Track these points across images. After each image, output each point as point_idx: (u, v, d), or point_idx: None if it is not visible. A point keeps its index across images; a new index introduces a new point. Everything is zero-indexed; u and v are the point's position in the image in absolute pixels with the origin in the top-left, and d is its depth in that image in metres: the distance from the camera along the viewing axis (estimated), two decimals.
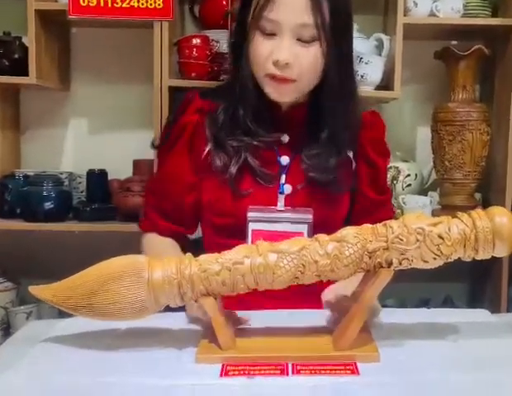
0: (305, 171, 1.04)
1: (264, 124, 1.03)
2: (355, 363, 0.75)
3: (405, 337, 0.84)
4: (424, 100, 1.91)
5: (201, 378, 0.72)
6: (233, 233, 1.01)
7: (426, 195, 1.81)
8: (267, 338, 0.83)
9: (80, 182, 1.86)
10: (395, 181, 1.69)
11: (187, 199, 1.08)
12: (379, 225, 0.79)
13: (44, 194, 1.67)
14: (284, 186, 1.05)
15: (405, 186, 1.77)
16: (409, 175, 1.78)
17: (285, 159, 1.05)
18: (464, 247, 0.77)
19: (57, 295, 0.80)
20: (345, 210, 1.11)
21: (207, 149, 1.05)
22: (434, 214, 1.71)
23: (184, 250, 0.99)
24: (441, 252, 0.77)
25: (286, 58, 0.96)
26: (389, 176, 1.67)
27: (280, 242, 0.79)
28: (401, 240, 0.76)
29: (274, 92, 1.00)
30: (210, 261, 0.78)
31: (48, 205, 1.67)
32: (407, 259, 0.77)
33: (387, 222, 0.79)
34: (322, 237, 0.79)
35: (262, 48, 0.98)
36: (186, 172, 1.07)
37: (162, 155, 1.11)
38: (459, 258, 0.79)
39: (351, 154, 1.08)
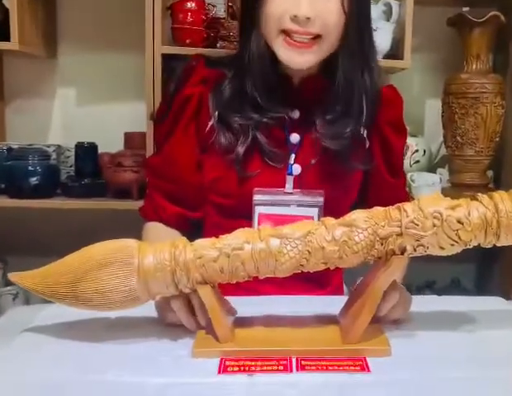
0: (318, 140, 0.98)
1: (274, 99, 0.97)
2: (365, 358, 0.71)
3: (417, 328, 0.80)
4: (434, 70, 1.84)
5: (198, 375, 0.67)
6: (237, 215, 0.96)
7: (435, 172, 1.76)
8: (268, 328, 0.79)
9: (69, 156, 1.80)
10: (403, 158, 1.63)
11: (194, 179, 1.02)
12: (392, 208, 0.74)
13: (29, 168, 1.62)
14: (293, 166, 0.99)
15: (412, 162, 1.71)
16: (417, 150, 1.73)
17: (295, 137, 1.00)
18: (485, 232, 0.72)
19: (38, 283, 0.75)
20: (355, 193, 1.06)
21: (211, 124, 0.98)
22: (444, 192, 1.65)
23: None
24: (459, 238, 0.72)
25: (307, 12, 0.88)
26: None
27: (283, 227, 0.75)
28: (416, 225, 0.72)
29: (290, 57, 0.92)
30: (207, 247, 0.74)
31: (34, 180, 1.62)
32: (422, 246, 0.73)
33: (401, 205, 0.74)
34: (329, 221, 0.74)
35: (278, 2, 0.90)
36: (193, 151, 1.01)
37: (163, 131, 1.04)
38: (478, 244, 0.75)
39: (365, 133, 1.02)
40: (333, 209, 0.96)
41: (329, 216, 0.90)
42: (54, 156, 1.77)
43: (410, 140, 1.74)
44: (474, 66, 1.58)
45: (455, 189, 1.64)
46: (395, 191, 1.07)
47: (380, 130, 1.03)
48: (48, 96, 1.89)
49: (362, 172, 1.05)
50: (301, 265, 0.73)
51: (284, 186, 0.98)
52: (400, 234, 0.72)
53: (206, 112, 0.99)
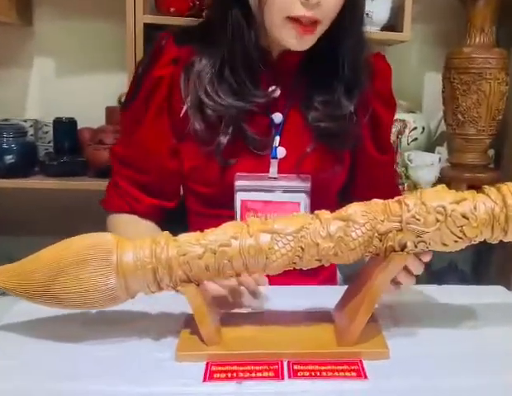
0: (313, 122, 0.93)
1: (253, 76, 0.91)
2: (361, 361, 0.68)
3: (415, 325, 0.77)
4: (435, 43, 1.79)
5: (181, 383, 0.64)
6: (220, 203, 0.92)
7: (433, 151, 1.72)
8: (258, 328, 0.76)
9: (47, 132, 1.73)
10: (400, 136, 1.59)
11: (169, 167, 0.97)
12: (392, 202, 0.70)
13: (4, 146, 1.56)
14: (277, 149, 0.94)
15: (410, 140, 1.67)
16: (415, 128, 1.68)
17: (277, 117, 0.94)
18: (492, 228, 0.69)
19: (8, 281, 0.71)
20: (345, 174, 1.01)
21: (185, 109, 0.92)
22: (443, 173, 1.62)
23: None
24: (464, 234, 0.68)
25: None
26: (394, 130, 1.57)
27: (274, 220, 0.71)
28: (418, 220, 0.68)
29: (295, 40, 0.86)
30: (191, 243, 0.70)
31: (9, 158, 1.56)
32: (424, 242, 0.69)
33: (401, 198, 0.70)
34: (324, 214, 0.70)
35: None
36: (166, 138, 0.95)
37: (131, 117, 0.97)
38: (484, 240, 0.71)
39: (352, 107, 0.97)
40: (321, 193, 0.92)
41: (317, 201, 0.87)
42: (31, 132, 1.72)
43: (407, 117, 1.70)
44: (477, 39, 1.52)
45: (454, 169, 1.60)
46: (383, 169, 1.04)
47: (367, 103, 0.98)
48: (24, 67, 1.82)
49: (350, 150, 1.00)
50: (294, 262, 0.70)
51: (268, 171, 0.93)
52: (400, 230, 0.69)
53: (179, 96, 0.93)
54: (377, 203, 0.71)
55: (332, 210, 0.71)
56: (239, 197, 0.90)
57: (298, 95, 0.94)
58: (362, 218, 0.69)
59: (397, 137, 1.56)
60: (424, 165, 1.56)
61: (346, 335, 0.71)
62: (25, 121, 1.72)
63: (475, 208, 0.68)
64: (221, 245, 0.69)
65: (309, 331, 0.75)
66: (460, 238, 0.69)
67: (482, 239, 0.71)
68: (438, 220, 0.68)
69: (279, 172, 0.93)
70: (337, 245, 0.69)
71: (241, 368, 0.67)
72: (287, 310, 0.82)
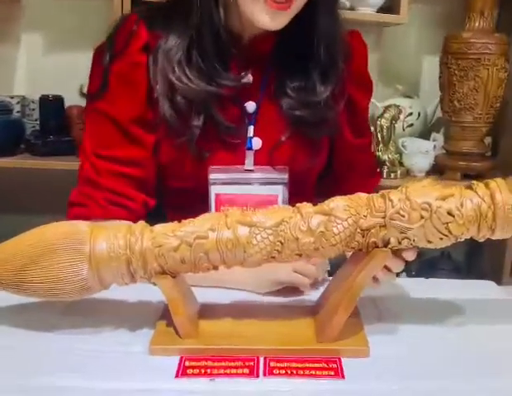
0: (288, 110, 0.90)
1: (223, 60, 0.87)
2: (339, 359, 0.67)
3: (400, 321, 0.76)
4: (433, 25, 1.75)
5: (153, 378, 0.63)
6: (197, 198, 0.89)
7: (429, 136, 1.69)
8: (236, 321, 0.74)
9: (34, 109, 1.69)
10: (394, 122, 1.55)
11: (153, 158, 0.90)
12: (376, 196, 0.68)
13: None
14: (252, 140, 0.91)
15: (406, 125, 1.64)
16: (411, 113, 1.65)
17: (251, 106, 0.91)
18: (478, 226, 0.67)
19: None
20: (323, 162, 0.98)
21: (157, 99, 0.86)
22: (437, 160, 1.59)
23: None
24: (450, 231, 0.67)
25: None
26: (388, 116, 1.54)
27: (253, 213, 0.68)
28: (402, 216, 0.66)
29: (268, 17, 0.82)
30: (167, 235, 0.68)
31: None
32: (408, 238, 0.67)
33: (386, 192, 0.68)
34: (305, 208, 0.68)
35: None
36: (148, 128, 0.88)
37: (99, 110, 0.88)
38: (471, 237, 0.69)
39: (337, 92, 0.92)
40: (300, 184, 0.89)
41: (295, 192, 0.85)
42: (18, 108, 1.68)
43: (403, 102, 1.67)
44: (477, 23, 1.48)
45: (450, 157, 1.57)
46: (360, 153, 1.01)
47: (344, 88, 0.94)
48: (12, 43, 1.78)
49: (328, 137, 0.97)
50: (273, 257, 0.68)
51: (244, 163, 0.90)
52: (383, 226, 0.67)
53: (152, 85, 0.87)
54: (361, 197, 0.69)
55: (309, 200, 0.69)
56: (214, 191, 0.87)
57: (272, 82, 0.90)
58: (345, 212, 0.67)
59: (391, 123, 1.53)
60: (419, 152, 1.53)
61: (326, 331, 0.69)
62: (12, 98, 1.69)
63: (461, 205, 0.66)
64: (198, 237, 0.67)
65: (289, 326, 0.73)
66: (445, 235, 0.67)
67: (469, 237, 0.69)
68: (422, 217, 0.66)
69: (255, 163, 0.90)
70: (318, 240, 0.67)
71: (216, 364, 0.65)
72: (270, 303, 0.81)
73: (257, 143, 0.91)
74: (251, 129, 0.91)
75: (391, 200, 0.66)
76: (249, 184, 0.90)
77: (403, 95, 1.70)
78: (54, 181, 1.68)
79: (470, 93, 1.46)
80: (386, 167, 1.57)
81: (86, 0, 1.73)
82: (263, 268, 0.71)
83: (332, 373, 0.64)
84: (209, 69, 0.86)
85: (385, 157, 1.54)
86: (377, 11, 1.52)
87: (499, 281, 1.66)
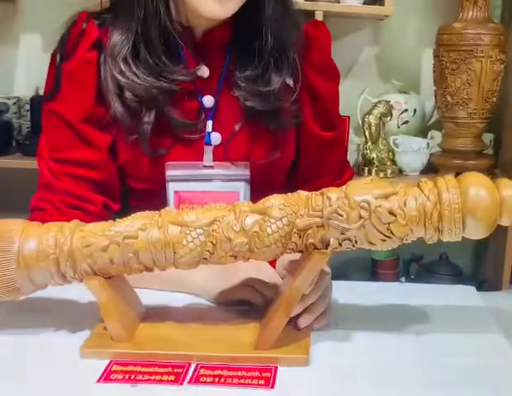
0: (241, 100, 0.86)
1: (172, 53, 0.84)
2: (276, 368, 0.62)
3: (358, 327, 0.71)
4: (430, 16, 1.66)
5: (75, 382, 0.60)
6: (158, 198, 0.85)
7: (427, 134, 1.61)
8: (178, 325, 0.71)
9: (28, 110, 1.69)
10: (384, 118, 1.48)
11: (110, 160, 0.87)
12: (315, 194, 0.64)
13: None
14: (211, 135, 0.87)
15: (400, 122, 1.57)
16: (406, 110, 1.58)
17: (209, 100, 0.88)
18: (424, 226, 0.62)
19: None
20: (291, 157, 0.93)
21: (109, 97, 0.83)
22: (432, 159, 1.52)
23: None
24: (392, 232, 0.62)
25: None
26: (377, 112, 1.47)
27: (187, 212, 0.65)
28: (340, 216, 0.61)
29: (219, 6, 0.79)
30: (96, 234, 0.65)
31: None
32: (349, 239, 0.63)
33: (325, 190, 0.63)
34: (241, 206, 0.64)
35: None
36: (102, 127, 0.85)
37: (52, 111, 0.86)
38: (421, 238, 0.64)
39: (291, 82, 0.89)
40: (265, 180, 0.85)
41: (259, 189, 0.80)
42: (14, 109, 1.68)
43: (398, 98, 1.60)
44: (470, 13, 1.39)
45: (444, 155, 1.50)
46: (330, 148, 0.95)
47: (304, 77, 0.89)
48: (9, 44, 1.78)
49: (295, 129, 0.92)
50: (205, 258, 0.64)
51: (203, 159, 0.87)
52: (321, 226, 0.62)
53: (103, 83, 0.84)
54: (301, 195, 0.64)
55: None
56: (172, 188, 0.84)
57: (229, 75, 0.87)
58: (280, 212, 0.63)
59: (380, 119, 1.46)
60: (411, 150, 1.46)
61: (263, 338, 0.65)
62: (8, 99, 1.68)
63: (404, 204, 0.61)
64: (127, 237, 0.64)
65: (230, 331, 0.69)
66: (387, 236, 0.62)
67: (415, 238, 0.64)
68: (361, 216, 0.61)
69: (215, 159, 0.87)
70: (251, 240, 0.63)
71: (144, 369, 0.62)
72: (223, 307, 0.77)
73: (216, 138, 0.87)
74: (209, 123, 0.87)
75: (328, 198, 0.62)
76: (209, 181, 0.86)
77: (399, 90, 1.64)
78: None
79: (463, 87, 1.38)
80: (374, 165, 1.50)
81: (85, 0, 1.71)
82: (223, 279, 0.71)
83: (262, 382, 0.60)
84: (157, 65, 0.83)
85: (373, 155, 1.47)
86: (364, 3, 1.45)
87: (499, 286, 1.59)
